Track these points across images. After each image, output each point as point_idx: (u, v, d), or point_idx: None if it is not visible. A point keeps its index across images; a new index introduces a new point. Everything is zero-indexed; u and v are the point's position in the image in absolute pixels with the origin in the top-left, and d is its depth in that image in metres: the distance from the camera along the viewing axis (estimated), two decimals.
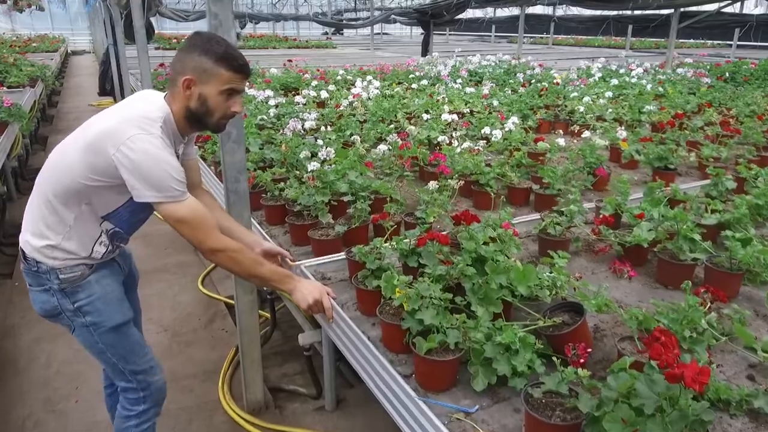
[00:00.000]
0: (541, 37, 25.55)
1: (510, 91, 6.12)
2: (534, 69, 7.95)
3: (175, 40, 16.35)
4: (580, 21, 14.50)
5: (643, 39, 22.18)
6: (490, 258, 1.85)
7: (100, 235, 1.77)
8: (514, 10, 26.89)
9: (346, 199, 2.67)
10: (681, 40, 21.31)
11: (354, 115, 4.82)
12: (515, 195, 3.17)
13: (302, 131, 3.83)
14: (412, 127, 3.96)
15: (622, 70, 7.78)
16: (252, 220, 2.72)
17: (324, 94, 5.68)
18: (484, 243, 1.92)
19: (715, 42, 22.49)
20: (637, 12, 12.97)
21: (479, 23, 22.35)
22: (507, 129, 4.17)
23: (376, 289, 1.91)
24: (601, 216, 2.49)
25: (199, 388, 2.86)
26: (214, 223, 1.82)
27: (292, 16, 16.31)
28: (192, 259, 4.37)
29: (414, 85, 6.48)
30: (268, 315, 3.16)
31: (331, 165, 3.00)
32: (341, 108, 5.12)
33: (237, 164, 2.24)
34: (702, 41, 22.89)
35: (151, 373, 1.95)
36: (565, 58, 12.54)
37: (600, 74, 7.33)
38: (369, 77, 6.55)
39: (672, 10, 8.46)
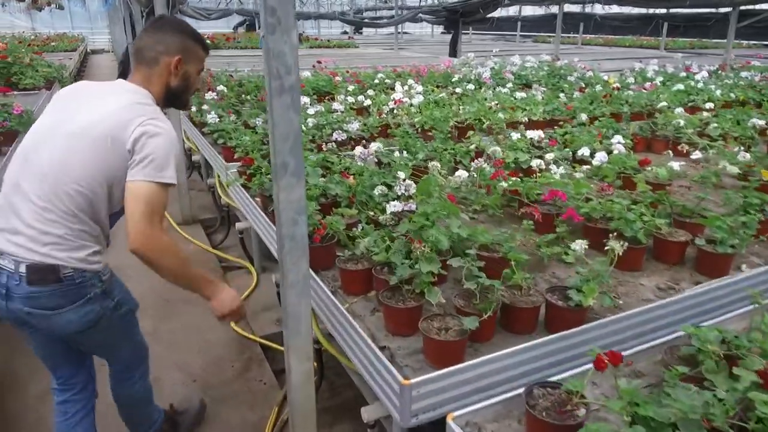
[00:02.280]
0: (569, 37, 24.81)
1: (564, 97, 5.55)
2: (585, 72, 7.35)
3: None
4: (624, 19, 13.80)
5: (675, 39, 21.35)
6: None
7: (108, 234, 1.84)
8: (540, 9, 26.26)
9: (448, 260, 2.01)
10: (715, 41, 20.46)
11: (399, 125, 4.31)
12: (666, 250, 2.37)
13: (368, 156, 3.13)
14: (497, 148, 3.32)
15: (683, 74, 7.15)
16: (321, 283, 2.18)
17: (363, 100, 5.16)
18: None
19: (750, 42, 21.55)
20: (681, 10, 12.36)
21: (502, 22, 21.73)
22: (610, 149, 3.54)
23: None
24: None
25: None
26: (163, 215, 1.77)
27: (316, 15, 15.81)
28: None
29: (458, 89, 5.94)
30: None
31: (409, 201, 2.45)
32: (383, 116, 4.60)
33: (295, 203, 1.73)
34: (738, 41, 21.92)
35: (142, 339, 2.14)
36: (604, 59, 11.87)
37: (660, 78, 6.73)
38: (410, 81, 6.00)
39: (730, 9, 7.82)
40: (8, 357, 3.07)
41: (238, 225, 3.89)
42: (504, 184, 2.78)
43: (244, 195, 3.26)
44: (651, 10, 15.42)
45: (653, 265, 2.37)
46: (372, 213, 2.49)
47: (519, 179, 2.87)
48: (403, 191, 2.60)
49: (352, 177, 2.73)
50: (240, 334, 3.27)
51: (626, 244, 2.04)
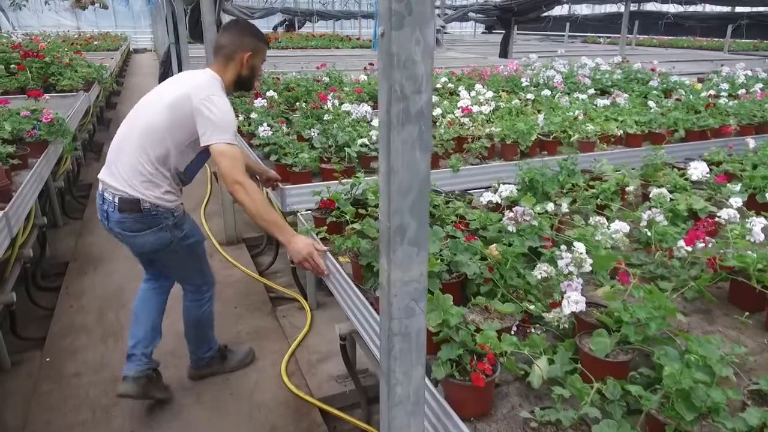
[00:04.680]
0: (618, 37, 23.63)
1: (654, 105, 4.83)
2: (668, 75, 6.58)
3: None
4: (701, 19, 12.80)
5: (736, 40, 19.98)
6: None
7: (179, 184, 2.39)
8: (587, 8, 25.13)
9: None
10: (745, 41, 18.99)
11: (474, 138, 3.69)
12: None
13: (522, 216, 2.10)
14: (662, 190, 2.53)
15: None
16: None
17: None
18: None
19: None
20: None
21: (548, 22, 20.75)
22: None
23: None
24: None
25: None
26: (244, 164, 2.28)
27: (362, 14, 15.25)
28: (270, 325, 3.34)
29: (529, 96, 5.28)
30: None
31: (576, 280, 1.74)
32: (452, 126, 3.99)
33: (413, 285, 1.16)
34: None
35: (210, 270, 2.67)
36: (674, 61, 10.94)
37: (760, 84, 5.91)
38: (478, 86, 5.36)
39: None
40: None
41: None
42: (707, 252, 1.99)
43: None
44: (716, 8, 14.33)
45: None
46: (531, 305, 1.73)
47: (716, 242, 2.10)
48: (572, 268, 1.79)
49: (494, 248, 1.86)
50: (296, 395, 2.72)
51: None
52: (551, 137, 3.84)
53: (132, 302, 2.64)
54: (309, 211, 2.69)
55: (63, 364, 2.93)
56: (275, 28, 23.99)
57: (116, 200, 2.23)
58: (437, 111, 4.27)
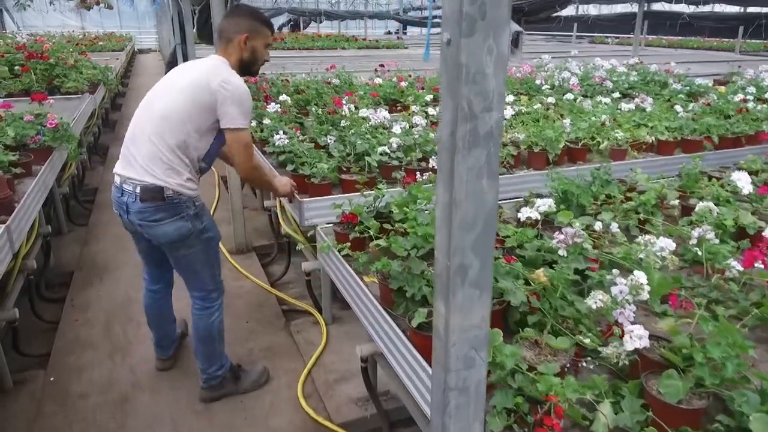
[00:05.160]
0: (627, 37, 23.40)
1: (682, 110, 4.64)
2: (685, 77, 6.40)
3: None
4: (718, 19, 12.58)
5: (746, 40, 19.71)
6: None
7: (198, 172, 2.37)
8: (595, 9, 24.92)
9: None
10: (755, 41, 18.72)
11: (505, 145, 3.52)
12: None
13: (572, 237, 1.90)
14: (710, 204, 2.30)
15: None
16: None
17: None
18: None
19: None
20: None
21: (559, 22, 20.52)
22: None
23: None
24: None
25: None
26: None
27: (370, 14, 15.07)
28: (284, 341, 3.19)
29: (550, 99, 5.11)
30: None
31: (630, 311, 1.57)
32: None
33: (473, 332, 1.00)
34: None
35: (221, 276, 2.61)
36: (686, 62, 10.69)
37: None
38: None
39: None
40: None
41: (306, 266, 3.20)
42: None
43: (347, 274, 2.24)
44: (726, 8, 14.13)
45: None
46: (585, 338, 1.56)
47: None
48: (626, 295, 1.61)
49: (541, 273, 1.68)
50: (314, 419, 2.56)
51: None
52: (579, 144, 3.67)
53: (139, 315, 2.51)
54: (329, 225, 2.54)
55: (68, 384, 2.78)
56: (280, 28, 23.84)
57: (138, 190, 2.21)
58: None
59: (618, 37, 23.81)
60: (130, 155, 2.26)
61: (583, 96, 5.77)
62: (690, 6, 12.85)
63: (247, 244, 4.39)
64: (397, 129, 3.48)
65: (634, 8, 22.26)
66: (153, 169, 2.19)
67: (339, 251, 2.21)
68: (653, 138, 3.79)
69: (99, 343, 3.13)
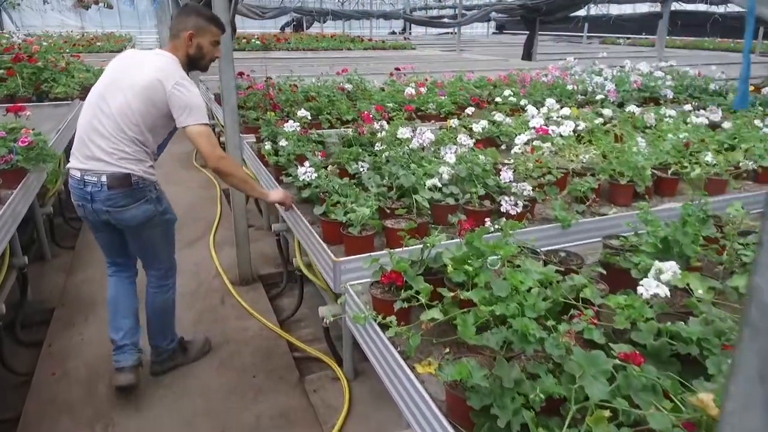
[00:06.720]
0: (639, 38, 22.86)
1: (762, 125, 4.07)
2: (730, 83, 5.87)
3: (244, 40, 14.92)
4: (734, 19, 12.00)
5: (765, 41, 19.12)
6: None
7: (154, 160, 2.52)
8: (594, 9, 24.33)
9: None
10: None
11: (571, 173, 2.96)
12: None
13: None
14: None
15: None
16: None
17: (488, 127, 3.79)
18: None
19: None
20: None
21: (576, 22, 19.98)
22: None
23: None
24: None
25: None
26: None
27: (378, 14, 14.50)
28: (298, 404, 2.67)
29: (606, 111, 4.50)
30: None
31: None
32: (534, 154, 3.20)
33: None
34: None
35: (174, 256, 2.79)
36: (709, 63, 10.13)
37: None
38: (549, 101, 4.43)
39: None
40: None
41: (323, 310, 2.68)
42: None
43: (392, 360, 1.67)
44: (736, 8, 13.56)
45: None
46: None
47: None
48: None
49: (708, 398, 1.12)
50: None
51: None
52: (668, 173, 3.08)
53: None
54: (361, 284, 1.97)
55: None
56: (283, 28, 23.31)
57: (103, 179, 2.33)
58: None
59: (629, 38, 23.28)
60: (87, 150, 2.35)
61: (618, 105, 5.26)
62: (711, 6, 12.32)
63: (252, 274, 3.89)
64: (449, 156, 2.84)
65: (642, 8, 21.78)
66: (117, 160, 2.33)
67: (379, 325, 1.66)
68: (753, 164, 3.23)
69: (78, 407, 2.62)
